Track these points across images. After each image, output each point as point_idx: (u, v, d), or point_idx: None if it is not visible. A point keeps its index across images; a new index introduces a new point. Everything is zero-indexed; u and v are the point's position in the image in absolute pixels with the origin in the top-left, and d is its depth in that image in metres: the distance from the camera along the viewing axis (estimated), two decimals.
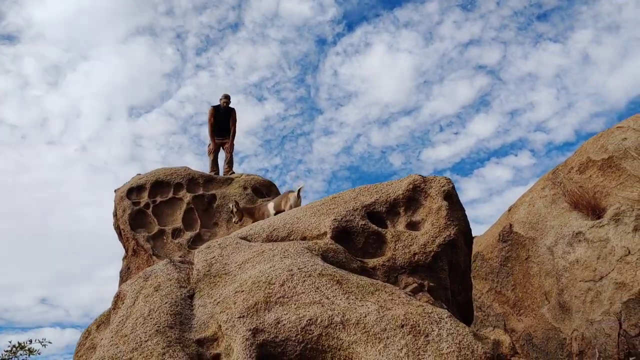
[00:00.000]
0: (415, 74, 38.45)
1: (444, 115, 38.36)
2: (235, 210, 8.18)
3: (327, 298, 3.67)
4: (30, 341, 6.85)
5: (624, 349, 6.79)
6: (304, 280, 3.86)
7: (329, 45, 39.50)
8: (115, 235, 10.23)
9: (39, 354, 6.74)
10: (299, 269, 4.01)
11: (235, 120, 11.16)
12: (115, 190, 10.37)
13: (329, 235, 5.13)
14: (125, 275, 9.80)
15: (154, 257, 8.93)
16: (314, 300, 3.65)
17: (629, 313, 6.90)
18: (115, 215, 10.06)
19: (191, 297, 4.10)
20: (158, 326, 3.53)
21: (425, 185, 5.67)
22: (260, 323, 3.48)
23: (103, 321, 4.83)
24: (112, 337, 3.55)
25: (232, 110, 11.16)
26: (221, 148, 11.39)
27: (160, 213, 9.86)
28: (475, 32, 37.33)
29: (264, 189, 10.48)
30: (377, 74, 39.52)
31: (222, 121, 11.07)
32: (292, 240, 5.21)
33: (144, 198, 9.96)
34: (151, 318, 3.64)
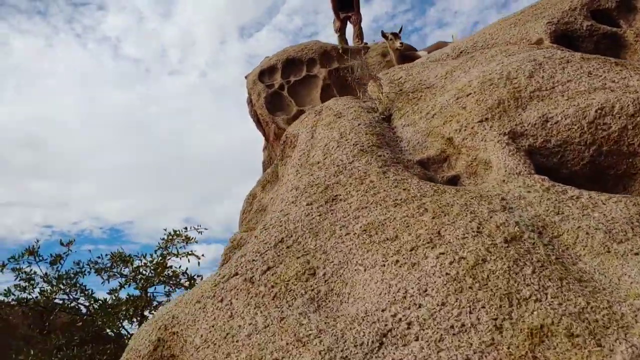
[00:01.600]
0: None
1: None
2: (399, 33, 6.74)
3: (614, 82, 2.32)
4: (186, 228, 6.48)
5: None
6: (563, 67, 2.52)
7: None
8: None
9: (196, 241, 6.36)
10: (545, 57, 2.67)
11: None
12: (245, 77, 9.54)
13: (547, 41, 3.68)
14: (267, 165, 9.17)
15: None
16: (593, 86, 2.32)
17: None
18: (250, 102, 9.27)
19: (386, 119, 2.96)
20: (361, 146, 2.45)
21: None
22: (516, 125, 2.25)
23: (269, 180, 3.92)
24: (296, 170, 2.55)
25: None
26: (348, 22, 10.06)
27: (297, 93, 8.89)
28: None
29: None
30: None
31: None
32: None
33: (277, 79, 9.02)
34: (347, 140, 2.56)
